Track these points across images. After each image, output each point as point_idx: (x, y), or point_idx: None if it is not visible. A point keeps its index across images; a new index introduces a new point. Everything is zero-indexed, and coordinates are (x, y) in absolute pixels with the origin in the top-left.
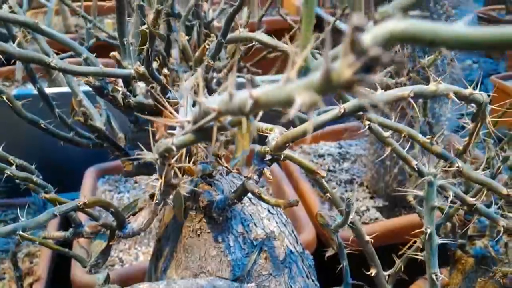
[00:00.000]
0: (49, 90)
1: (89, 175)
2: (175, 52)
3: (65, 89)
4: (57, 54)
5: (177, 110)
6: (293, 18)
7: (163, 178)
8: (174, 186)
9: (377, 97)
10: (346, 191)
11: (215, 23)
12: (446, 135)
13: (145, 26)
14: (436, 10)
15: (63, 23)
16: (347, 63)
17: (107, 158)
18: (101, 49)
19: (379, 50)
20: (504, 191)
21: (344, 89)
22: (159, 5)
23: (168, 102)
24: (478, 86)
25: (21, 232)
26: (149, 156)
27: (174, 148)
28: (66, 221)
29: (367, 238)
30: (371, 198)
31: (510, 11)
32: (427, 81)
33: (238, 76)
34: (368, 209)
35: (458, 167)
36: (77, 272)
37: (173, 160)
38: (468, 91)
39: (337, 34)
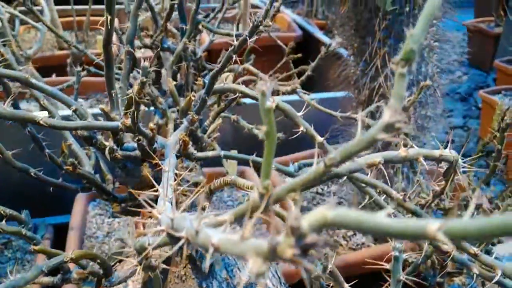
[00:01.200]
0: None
1: (80, 199)
2: (164, 72)
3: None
4: (48, 69)
5: (159, 179)
6: (283, 35)
7: (141, 265)
8: (153, 268)
9: (349, 167)
10: None
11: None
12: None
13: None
14: None
15: (56, 39)
16: (288, 244)
17: None
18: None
19: (315, 237)
20: (472, 250)
21: (288, 262)
22: (143, 77)
23: (155, 151)
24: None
25: None
26: (129, 247)
27: (150, 248)
28: (56, 247)
29: (346, 286)
30: None
31: (499, 24)
32: (408, 118)
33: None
34: (355, 234)
35: None
36: None
37: (151, 249)
38: (438, 152)
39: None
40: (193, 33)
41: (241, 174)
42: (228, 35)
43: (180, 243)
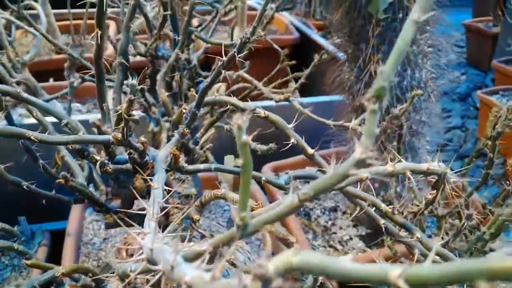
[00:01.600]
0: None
1: (77, 205)
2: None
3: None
4: (45, 73)
5: (147, 192)
6: (281, 37)
7: None
8: None
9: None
10: (330, 219)
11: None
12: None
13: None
14: (413, 50)
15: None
16: None
17: None
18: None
19: (280, 282)
20: None
21: None
22: (131, 95)
23: (146, 163)
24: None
25: None
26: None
27: (131, 274)
28: (53, 253)
29: None
30: (354, 226)
31: (496, 24)
32: (400, 128)
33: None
34: (351, 238)
35: (417, 237)
36: None
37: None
38: (425, 166)
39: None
40: (186, 42)
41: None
42: (220, 45)
43: (158, 275)
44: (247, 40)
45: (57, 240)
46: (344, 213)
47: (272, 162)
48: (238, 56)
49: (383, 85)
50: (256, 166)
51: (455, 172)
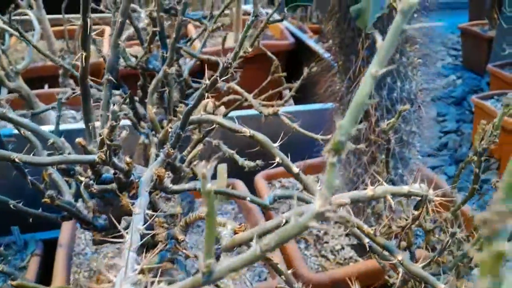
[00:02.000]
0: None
1: None
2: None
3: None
4: (38, 80)
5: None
6: (276, 43)
7: None
8: None
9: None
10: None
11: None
12: (414, 169)
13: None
14: (402, 62)
15: (48, 49)
16: None
17: None
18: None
19: None
20: (441, 287)
21: None
22: (113, 121)
23: (132, 183)
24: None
25: None
26: None
27: None
28: (46, 262)
29: None
30: (347, 235)
31: (492, 27)
32: (388, 142)
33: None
34: (342, 248)
35: (399, 260)
36: None
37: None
38: (406, 188)
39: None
40: (175, 58)
41: (232, 187)
42: (208, 60)
43: None
44: (229, 65)
45: (50, 249)
46: (336, 222)
47: (265, 170)
48: (221, 79)
49: (341, 140)
50: (249, 175)
51: (446, 179)
